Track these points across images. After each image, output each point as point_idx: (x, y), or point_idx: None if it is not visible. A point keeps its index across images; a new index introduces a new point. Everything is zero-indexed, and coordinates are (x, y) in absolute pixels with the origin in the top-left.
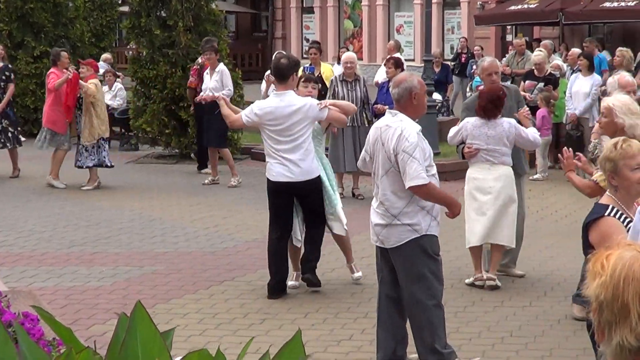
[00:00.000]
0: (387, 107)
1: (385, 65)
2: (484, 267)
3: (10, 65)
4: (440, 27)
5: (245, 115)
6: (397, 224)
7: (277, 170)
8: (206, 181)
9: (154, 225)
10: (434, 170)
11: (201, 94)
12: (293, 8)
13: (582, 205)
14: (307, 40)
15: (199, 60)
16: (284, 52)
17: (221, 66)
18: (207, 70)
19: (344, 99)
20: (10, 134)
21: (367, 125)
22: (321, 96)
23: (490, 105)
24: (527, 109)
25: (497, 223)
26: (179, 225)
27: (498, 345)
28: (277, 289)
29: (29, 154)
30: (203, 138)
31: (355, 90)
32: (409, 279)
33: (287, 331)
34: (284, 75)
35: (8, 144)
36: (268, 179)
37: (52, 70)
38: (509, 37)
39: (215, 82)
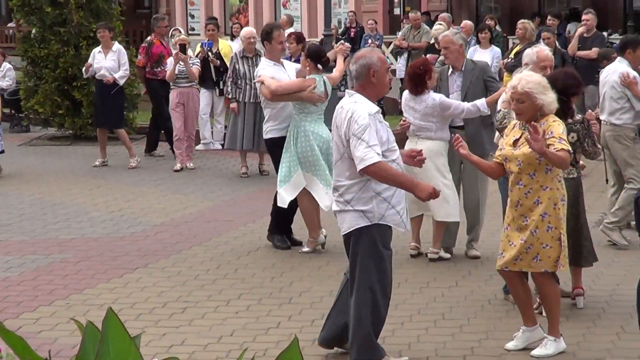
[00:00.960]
0: None
1: (287, 40)
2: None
3: None
4: (328, 1)
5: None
6: (350, 210)
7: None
8: (96, 163)
9: (56, 210)
10: (395, 156)
11: (99, 73)
12: None
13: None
14: (192, 16)
15: (148, 38)
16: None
17: (117, 45)
18: (100, 49)
19: (245, 76)
20: None
21: None
22: (220, 73)
23: (413, 82)
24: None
25: None
26: (82, 209)
27: (432, 329)
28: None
29: None
30: (100, 118)
31: (255, 65)
32: (355, 267)
33: (211, 320)
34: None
35: None
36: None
37: None
38: (396, 11)
39: (112, 61)
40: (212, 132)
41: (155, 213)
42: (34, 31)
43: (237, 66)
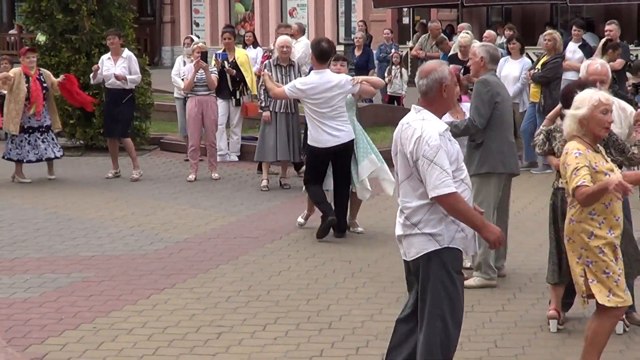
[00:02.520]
0: None
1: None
2: None
3: None
4: (335, 9)
5: (288, 89)
6: (417, 234)
7: (325, 138)
8: (109, 174)
9: (73, 225)
10: (463, 174)
11: (109, 81)
12: None
13: (517, 195)
14: (197, 24)
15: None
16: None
17: (127, 52)
18: (109, 56)
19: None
20: None
21: (297, 112)
22: (236, 83)
23: None
24: None
25: None
26: (100, 224)
27: (485, 358)
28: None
29: None
30: (110, 128)
31: (289, 75)
32: (425, 295)
33: (249, 347)
34: (326, 56)
35: None
36: (314, 146)
37: None
38: (405, 20)
39: (123, 68)
40: (228, 143)
41: (176, 229)
42: (42, 38)
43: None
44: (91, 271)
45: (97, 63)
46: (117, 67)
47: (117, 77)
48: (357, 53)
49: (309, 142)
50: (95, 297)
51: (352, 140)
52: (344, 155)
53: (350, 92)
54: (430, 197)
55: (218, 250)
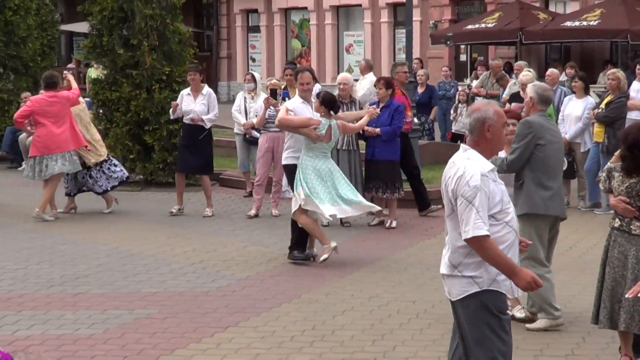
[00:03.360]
0: (378, 129)
1: (375, 85)
2: None
3: None
4: (392, 46)
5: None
6: (458, 276)
7: None
8: (173, 210)
9: (134, 261)
10: (509, 217)
11: (187, 117)
12: (239, 27)
13: (581, 236)
14: (254, 59)
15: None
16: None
17: (207, 88)
18: (189, 91)
19: None
20: None
21: (359, 149)
22: None
23: None
24: None
25: None
26: (161, 260)
27: None
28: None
29: None
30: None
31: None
32: (470, 338)
33: None
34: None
35: None
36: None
37: (57, 93)
38: (462, 57)
39: (202, 104)
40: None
41: (238, 266)
42: (94, 74)
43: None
44: (154, 308)
45: (158, 99)
46: (196, 103)
47: (192, 120)
48: (420, 90)
49: (291, 161)
50: (159, 334)
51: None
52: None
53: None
54: (462, 238)
55: (281, 289)
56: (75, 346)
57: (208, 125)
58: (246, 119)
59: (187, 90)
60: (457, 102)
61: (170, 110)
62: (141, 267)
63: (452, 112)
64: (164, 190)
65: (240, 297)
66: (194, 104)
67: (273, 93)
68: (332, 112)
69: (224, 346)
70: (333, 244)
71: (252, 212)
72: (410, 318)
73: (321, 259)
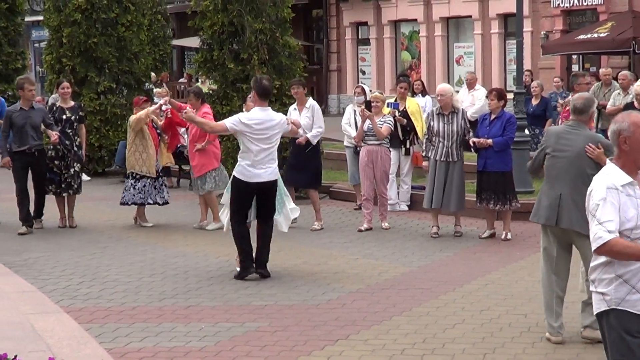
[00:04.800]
0: (489, 140)
1: (488, 97)
2: None
3: (82, 105)
4: (502, 57)
5: (231, 123)
6: (594, 291)
7: (253, 173)
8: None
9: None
10: None
11: None
12: (348, 40)
13: None
14: (363, 72)
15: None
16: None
17: (311, 101)
18: (295, 106)
19: (439, 133)
20: (79, 180)
21: (461, 160)
22: (406, 132)
23: None
24: None
25: None
26: (272, 273)
27: None
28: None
29: (95, 194)
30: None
31: (452, 123)
32: (607, 353)
33: None
34: (268, 93)
35: (73, 191)
36: (240, 179)
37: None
38: (574, 67)
39: (307, 118)
40: (398, 192)
41: (348, 279)
42: (205, 89)
43: (432, 123)
44: (265, 321)
45: None
46: (301, 117)
47: (298, 143)
48: (534, 102)
49: (235, 174)
50: (269, 347)
51: (276, 179)
52: (269, 191)
53: (285, 131)
54: (592, 250)
55: (391, 302)
56: (186, 358)
57: (314, 142)
58: (356, 132)
59: (293, 106)
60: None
61: None
62: (251, 280)
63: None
64: None
65: (351, 310)
66: (299, 117)
67: (368, 105)
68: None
69: (334, 359)
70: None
71: (364, 226)
72: (522, 331)
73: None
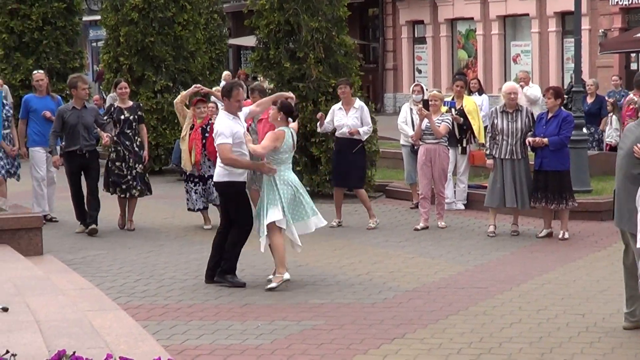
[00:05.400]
0: (545, 140)
1: (545, 95)
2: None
3: (140, 104)
4: (560, 55)
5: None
6: None
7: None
8: (333, 223)
9: (301, 272)
10: None
11: (340, 131)
12: (404, 39)
13: None
14: (420, 71)
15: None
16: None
17: (359, 102)
18: (340, 105)
19: (503, 131)
20: (144, 181)
21: (527, 158)
22: (463, 131)
23: None
24: None
25: None
26: (328, 272)
27: None
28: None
29: (153, 192)
30: (339, 178)
31: (516, 121)
32: None
33: None
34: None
35: (138, 192)
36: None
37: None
38: (633, 66)
39: (355, 118)
40: (454, 191)
41: (404, 278)
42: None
43: (495, 121)
44: (321, 319)
45: (324, 111)
46: (348, 117)
47: (350, 133)
48: (589, 100)
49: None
50: (325, 345)
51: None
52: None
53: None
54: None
55: (447, 301)
56: (242, 356)
57: (364, 138)
58: (412, 130)
59: (338, 105)
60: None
61: (318, 124)
62: (308, 279)
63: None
64: (331, 202)
65: (407, 309)
66: (346, 118)
67: (426, 104)
68: (289, 120)
69: (390, 358)
70: (286, 276)
71: (421, 224)
72: (580, 331)
73: (269, 285)
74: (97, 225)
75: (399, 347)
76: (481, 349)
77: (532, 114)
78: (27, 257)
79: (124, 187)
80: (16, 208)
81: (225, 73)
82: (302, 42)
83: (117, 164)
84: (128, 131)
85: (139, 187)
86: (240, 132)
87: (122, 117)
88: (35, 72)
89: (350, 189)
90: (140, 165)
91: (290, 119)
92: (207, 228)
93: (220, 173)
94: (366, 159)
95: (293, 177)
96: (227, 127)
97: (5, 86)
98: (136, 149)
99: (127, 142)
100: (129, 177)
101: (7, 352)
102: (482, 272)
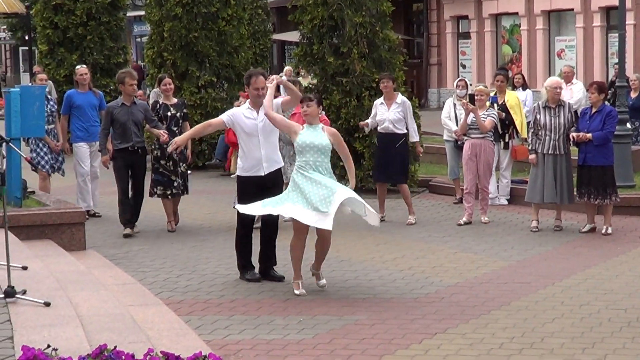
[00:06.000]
0: (589, 135)
1: (588, 90)
2: None
3: (185, 101)
4: (605, 50)
5: None
6: None
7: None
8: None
9: (344, 267)
10: None
11: (382, 126)
12: (449, 34)
13: None
14: (464, 66)
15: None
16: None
17: (402, 97)
18: (382, 100)
19: (546, 126)
20: (187, 180)
21: (569, 153)
22: (505, 126)
23: None
24: None
25: None
26: (370, 267)
27: None
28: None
29: (196, 187)
30: (381, 173)
31: (558, 116)
32: None
33: None
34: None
35: (180, 191)
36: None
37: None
38: None
39: (397, 113)
40: (497, 186)
41: (447, 272)
42: (304, 83)
43: (538, 117)
44: (363, 314)
45: (368, 106)
46: (390, 111)
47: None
48: (633, 95)
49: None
50: (367, 340)
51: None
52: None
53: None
54: None
55: (490, 296)
56: (284, 351)
57: (415, 138)
58: (456, 125)
59: (380, 100)
60: None
61: (360, 123)
62: (350, 273)
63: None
64: (374, 197)
65: (449, 304)
66: (387, 112)
67: (471, 99)
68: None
69: (432, 352)
70: (298, 292)
71: (464, 219)
72: (622, 326)
73: (320, 282)
74: (132, 230)
75: (440, 342)
76: (523, 343)
77: (575, 111)
78: (69, 252)
79: (172, 186)
80: (59, 203)
81: (287, 68)
82: (346, 37)
83: (162, 162)
84: (174, 129)
85: (181, 187)
86: (245, 122)
87: (169, 114)
88: (78, 66)
89: (394, 184)
90: (184, 165)
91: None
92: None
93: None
94: (409, 154)
95: (298, 179)
96: (232, 111)
97: (50, 81)
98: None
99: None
100: (173, 176)
101: (49, 346)
102: (524, 267)
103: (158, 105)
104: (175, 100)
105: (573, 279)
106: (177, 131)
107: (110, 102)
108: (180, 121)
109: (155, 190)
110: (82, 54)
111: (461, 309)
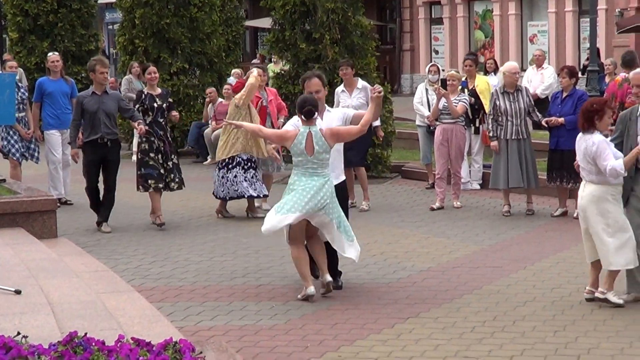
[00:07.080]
0: (561, 119)
1: (559, 75)
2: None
3: (169, 90)
4: (576, 35)
5: None
6: None
7: None
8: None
9: None
10: None
11: None
12: (421, 19)
13: None
14: (436, 52)
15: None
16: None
17: (362, 82)
18: (343, 88)
19: (506, 112)
20: (181, 173)
21: (530, 137)
22: (475, 111)
23: (582, 118)
24: None
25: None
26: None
27: None
28: None
29: None
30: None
31: (517, 101)
32: None
33: None
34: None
35: (176, 185)
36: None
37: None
38: None
39: (359, 99)
40: (469, 171)
41: (419, 257)
42: (275, 69)
43: (497, 102)
44: (335, 299)
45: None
46: (352, 98)
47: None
48: (608, 80)
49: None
50: (339, 325)
51: None
52: None
53: None
54: None
55: (462, 280)
56: (256, 337)
57: (377, 122)
58: (429, 111)
59: (341, 87)
60: None
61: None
62: None
63: None
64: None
65: (421, 288)
66: (350, 99)
67: (443, 84)
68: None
69: (404, 337)
70: (311, 291)
71: (436, 204)
72: (593, 309)
73: (299, 296)
74: (107, 222)
75: (413, 327)
76: (495, 327)
77: (546, 96)
78: (41, 240)
79: (164, 180)
80: (30, 191)
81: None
82: (318, 23)
83: (152, 155)
84: (161, 120)
85: (176, 180)
86: None
87: (155, 104)
88: (50, 53)
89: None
90: (176, 157)
91: (303, 117)
92: (259, 216)
93: None
94: (371, 139)
95: (301, 182)
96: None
97: (20, 69)
98: (170, 138)
99: (160, 132)
100: (166, 169)
101: (19, 333)
102: (496, 251)
103: (143, 96)
104: (159, 90)
105: (545, 262)
106: (163, 122)
107: (82, 91)
108: (166, 112)
109: (147, 184)
110: (53, 42)
111: (433, 293)
